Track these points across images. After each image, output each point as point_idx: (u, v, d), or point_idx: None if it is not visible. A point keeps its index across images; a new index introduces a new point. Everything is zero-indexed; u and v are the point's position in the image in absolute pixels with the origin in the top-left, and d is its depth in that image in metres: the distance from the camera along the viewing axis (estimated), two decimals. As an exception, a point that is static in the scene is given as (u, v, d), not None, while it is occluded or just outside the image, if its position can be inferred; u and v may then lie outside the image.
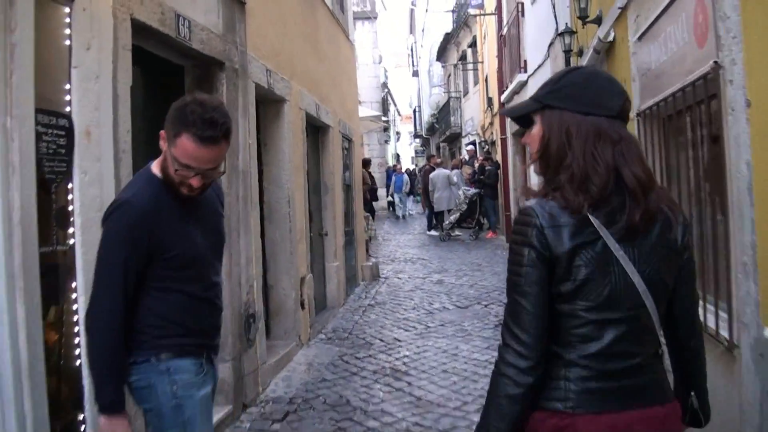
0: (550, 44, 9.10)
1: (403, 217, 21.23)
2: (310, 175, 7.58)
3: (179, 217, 2.13)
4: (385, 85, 38.47)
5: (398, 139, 50.02)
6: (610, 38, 4.84)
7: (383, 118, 13.62)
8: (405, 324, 7.27)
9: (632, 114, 4.16)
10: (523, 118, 1.70)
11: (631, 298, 1.46)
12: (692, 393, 1.66)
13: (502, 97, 13.30)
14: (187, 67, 4.54)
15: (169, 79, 4.46)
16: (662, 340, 1.57)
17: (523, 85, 11.49)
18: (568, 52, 6.69)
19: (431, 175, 16.48)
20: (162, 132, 2.08)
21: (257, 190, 5.28)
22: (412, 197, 24.02)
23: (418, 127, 36.42)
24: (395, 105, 48.66)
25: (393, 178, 21.06)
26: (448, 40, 24.75)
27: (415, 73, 36.14)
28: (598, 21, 5.38)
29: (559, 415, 1.47)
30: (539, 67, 10.11)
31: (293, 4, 6.63)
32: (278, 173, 6.10)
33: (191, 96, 2.07)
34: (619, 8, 4.43)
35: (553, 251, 1.45)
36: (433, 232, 16.66)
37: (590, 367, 1.46)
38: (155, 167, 2.15)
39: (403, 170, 23.54)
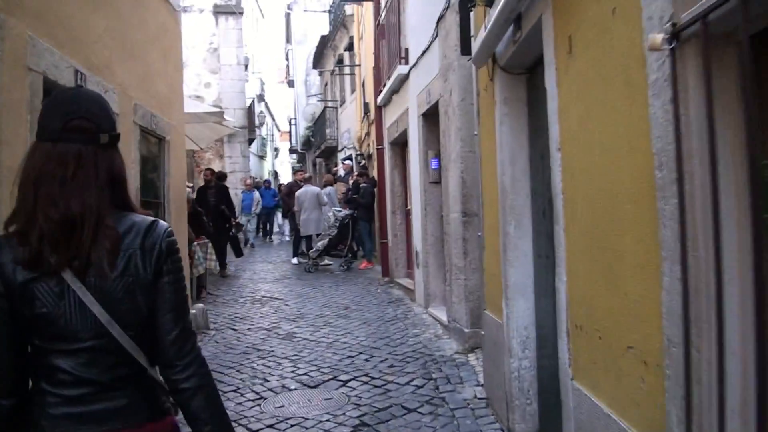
0: (440, 18, 6.76)
1: (251, 245, 17.67)
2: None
3: None
4: (261, 97, 35.48)
5: (276, 156, 47.14)
6: None
7: (228, 121, 10.62)
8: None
9: (663, 40, 1.72)
10: None
11: (92, 328, 1.47)
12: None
13: (379, 99, 10.91)
14: None
15: None
16: (145, 361, 1.54)
17: (403, 80, 9.12)
18: (468, 2, 4.28)
19: (297, 193, 13.83)
20: None
21: None
22: (285, 219, 20.21)
23: (293, 141, 33.68)
24: (274, 119, 45.75)
25: (242, 197, 17.33)
26: (324, 44, 22.31)
27: (291, 83, 33.36)
28: None
29: None
30: (424, 52, 7.77)
31: None
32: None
33: None
34: None
35: (9, 285, 1.44)
36: (295, 260, 13.97)
37: (56, 394, 1.48)
38: None
39: (255, 186, 19.92)
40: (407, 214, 10.11)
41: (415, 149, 8.56)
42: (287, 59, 35.15)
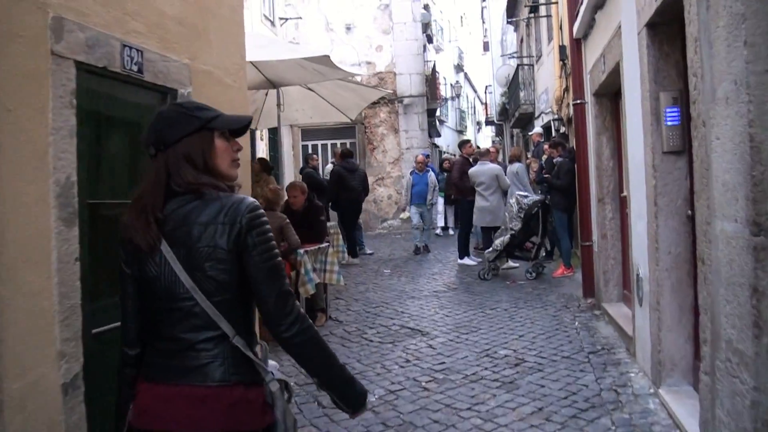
0: None
1: (423, 248, 12.35)
2: None
3: None
4: (460, 67, 32.24)
5: (479, 130, 43.81)
6: None
7: (343, 71, 7.46)
8: None
9: None
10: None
11: (182, 292, 1.73)
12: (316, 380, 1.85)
13: (575, 26, 7.20)
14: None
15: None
16: (229, 329, 1.76)
17: (612, -20, 5.42)
18: None
19: (470, 172, 10.51)
20: None
21: None
22: (447, 206, 15.72)
23: (490, 111, 30.07)
24: (476, 92, 42.30)
25: (411, 180, 12.47)
26: (517, -11, 18.56)
27: (486, 46, 29.72)
28: None
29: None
30: None
31: None
32: None
33: None
34: None
35: (128, 254, 1.81)
36: (468, 261, 10.71)
37: (153, 346, 1.81)
38: None
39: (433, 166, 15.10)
40: (622, 203, 6.42)
41: (634, 93, 4.85)
42: (482, 19, 31.56)
